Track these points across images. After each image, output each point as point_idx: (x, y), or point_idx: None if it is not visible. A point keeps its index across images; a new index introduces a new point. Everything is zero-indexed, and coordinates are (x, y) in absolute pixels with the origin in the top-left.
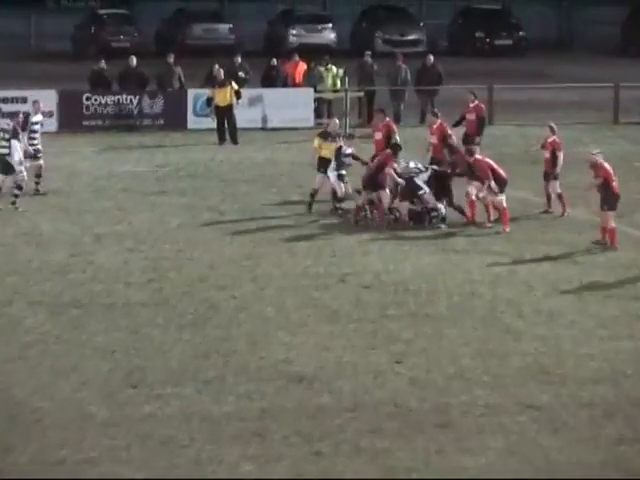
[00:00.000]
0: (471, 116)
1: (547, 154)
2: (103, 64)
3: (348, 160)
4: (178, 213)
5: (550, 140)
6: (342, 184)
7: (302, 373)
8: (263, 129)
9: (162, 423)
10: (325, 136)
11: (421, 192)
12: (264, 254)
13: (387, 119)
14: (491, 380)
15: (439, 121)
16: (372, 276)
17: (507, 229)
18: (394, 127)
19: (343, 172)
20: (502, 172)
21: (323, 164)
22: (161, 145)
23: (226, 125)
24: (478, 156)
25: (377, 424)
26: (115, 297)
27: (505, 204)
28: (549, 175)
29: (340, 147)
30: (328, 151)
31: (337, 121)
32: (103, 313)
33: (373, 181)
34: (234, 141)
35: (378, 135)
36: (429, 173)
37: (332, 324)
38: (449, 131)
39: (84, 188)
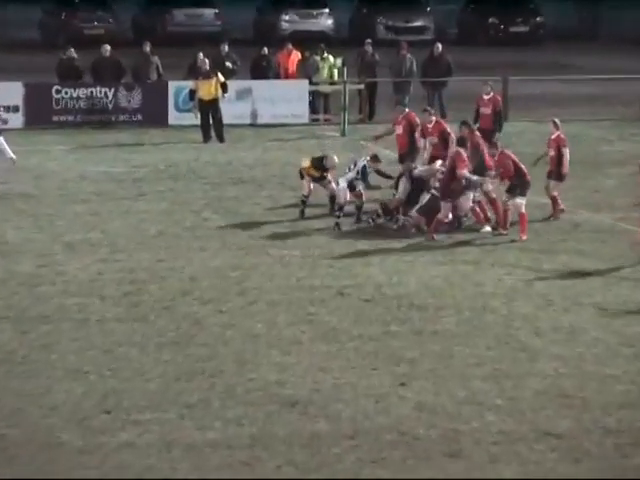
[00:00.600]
0: (486, 110)
1: (552, 152)
2: (73, 52)
3: (368, 175)
4: (158, 219)
5: (554, 136)
6: (347, 193)
7: (296, 397)
8: (252, 125)
9: (141, 452)
10: (318, 166)
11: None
12: (254, 264)
13: (407, 110)
14: (505, 404)
15: (434, 119)
16: (373, 289)
17: (524, 237)
18: (416, 119)
19: (358, 185)
20: (527, 173)
21: (308, 175)
22: (139, 143)
23: (211, 121)
24: (506, 151)
25: (379, 453)
26: (88, 312)
27: (524, 209)
28: (552, 174)
29: (365, 166)
30: (316, 174)
31: (336, 160)
32: (75, 330)
33: (450, 190)
34: (220, 139)
35: (399, 130)
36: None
37: (329, 342)
38: (447, 128)
39: (53, 191)
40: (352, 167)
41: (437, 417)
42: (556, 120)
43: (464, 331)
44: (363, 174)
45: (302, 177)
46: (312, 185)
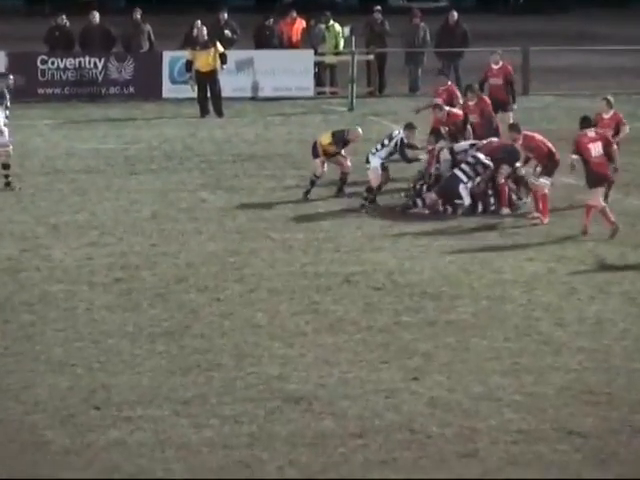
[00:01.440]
0: (497, 80)
1: (609, 132)
2: (64, 19)
3: (410, 153)
4: (151, 200)
5: (608, 116)
6: (380, 173)
7: (299, 392)
8: (253, 99)
9: (132, 451)
10: (339, 141)
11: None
12: (254, 249)
13: (449, 83)
14: (525, 401)
15: (449, 82)
16: (383, 276)
17: (546, 220)
18: (457, 92)
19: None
20: (555, 151)
21: (324, 153)
22: (131, 118)
23: (209, 94)
24: (529, 133)
25: (389, 453)
26: (75, 300)
27: (547, 191)
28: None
29: (402, 139)
30: (334, 150)
31: (360, 131)
32: (61, 320)
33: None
34: (219, 113)
35: (439, 101)
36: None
37: (335, 334)
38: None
39: (38, 169)
40: (386, 142)
41: (452, 414)
42: (609, 97)
43: (481, 322)
44: (401, 148)
45: (315, 155)
46: (326, 166)
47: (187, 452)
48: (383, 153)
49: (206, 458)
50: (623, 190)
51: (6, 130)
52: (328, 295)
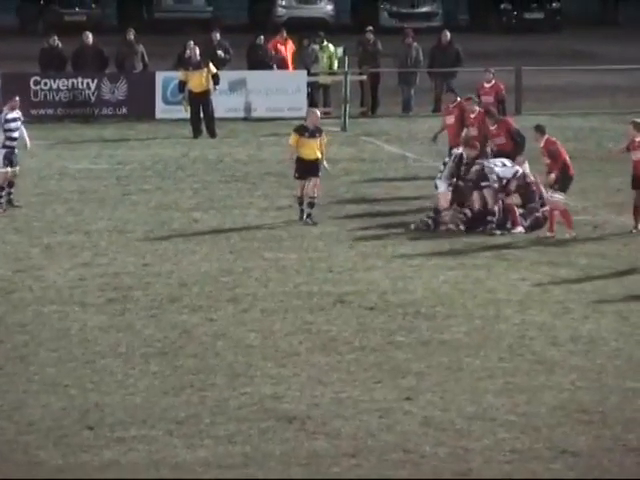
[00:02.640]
0: (488, 98)
1: (639, 155)
2: (56, 40)
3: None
4: (144, 220)
5: (639, 139)
6: (449, 195)
7: (293, 412)
8: (246, 119)
9: (125, 472)
10: (302, 131)
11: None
12: (247, 269)
13: (459, 99)
14: (519, 420)
15: (477, 108)
16: (377, 296)
17: (573, 233)
18: (468, 107)
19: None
20: (571, 165)
21: (305, 168)
22: (124, 138)
23: (202, 115)
24: (550, 137)
25: (383, 473)
26: (69, 321)
27: (562, 205)
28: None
29: (461, 155)
30: (309, 149)
31: (318, 113)
32: (54, 340)
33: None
34: (211, 134)
35: (450, 119)
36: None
37: (329, 354)
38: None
39: (31, 189)
40: (447, 160)
41: (445, 434)
42: (638, 120)
43: (474, 341)
44: (458, 164)
45: (297, 176)
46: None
47: (181, 472)
48: (447, 172)
49: (200, 478)
50: (616, 209)
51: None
52: (321, 315)
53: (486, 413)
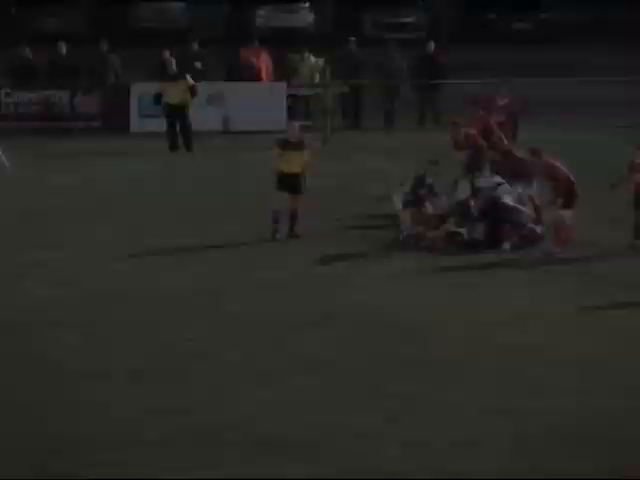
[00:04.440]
0: (499, 117)
1: None
2: (27, 52)
3: (423, 191)
4: (119, 238)
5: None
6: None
7: (273, 436)
8: (225, 133)
9: None
10: (284, 145)
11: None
12: (226, 288)
13: (482, 113)
14: (507, 445)
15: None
16: (360, 316)
17: (558, 250)
18: (493, 125)
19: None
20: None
21: (285, 181)
22: (98, 153)
23: (179, 128)
24: (548, 159)
25: None
26: (41, 343)
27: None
28: None
29: (421, 177)
30: (290, 163)
31: (297, 125)
32: (25, 363)
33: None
34: (188, 148)
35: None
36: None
37: (310, 375)
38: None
39: (4, 206)
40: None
41: (430, 459)
42: None
43: (460, 362)
44: (414, 189)
45: (278, 188)
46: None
47: None
48: (406, 189)
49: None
50: (610, 225)
51: None
52: (303, 335)
53: (472, 436)
